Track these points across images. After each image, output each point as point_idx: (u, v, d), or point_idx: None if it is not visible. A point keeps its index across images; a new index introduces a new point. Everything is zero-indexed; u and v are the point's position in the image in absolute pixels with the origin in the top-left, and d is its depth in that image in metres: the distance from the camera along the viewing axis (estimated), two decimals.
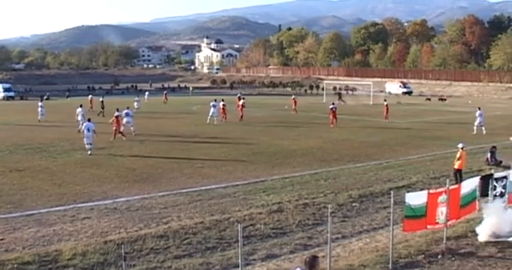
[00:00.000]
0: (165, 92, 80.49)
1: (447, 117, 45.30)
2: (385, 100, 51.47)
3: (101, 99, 58.86)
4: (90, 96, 66.27)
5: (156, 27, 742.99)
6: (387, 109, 49.46)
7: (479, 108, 40.59)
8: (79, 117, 42.50)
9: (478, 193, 15.88)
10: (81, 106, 44.33)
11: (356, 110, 52.50)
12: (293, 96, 61.90)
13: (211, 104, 47.34)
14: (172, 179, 23.93)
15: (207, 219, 17.28)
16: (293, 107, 58.16)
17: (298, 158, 29.15)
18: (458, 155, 22.63)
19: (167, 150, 32.37)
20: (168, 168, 26.35)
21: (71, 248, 14.44)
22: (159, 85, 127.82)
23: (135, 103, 60.93)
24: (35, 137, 38.48)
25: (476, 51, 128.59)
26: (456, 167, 22.57)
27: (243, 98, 54.07)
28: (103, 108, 54.64)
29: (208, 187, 22.09)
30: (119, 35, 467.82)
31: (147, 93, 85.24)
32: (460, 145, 22.92)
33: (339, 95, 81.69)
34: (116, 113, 38.02)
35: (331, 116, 45.31)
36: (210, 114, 46.61)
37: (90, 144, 31.06)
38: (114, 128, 37.13)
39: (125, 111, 40.11)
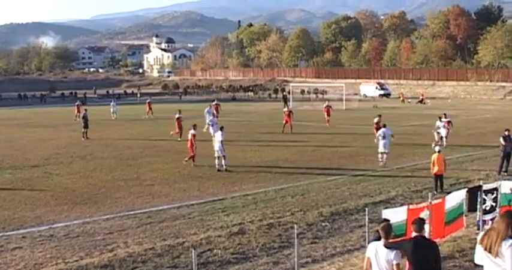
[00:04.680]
0: (148, 100, 69.95)
1: (430, 121, 45.69)
2: (326, 101, 55.79)
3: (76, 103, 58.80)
4: None
5: (98, 25, 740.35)
6: (328, 112, 52.41)
7: (440, 118, 38.90)
8: None
9: (465, 207, 16.00)
10: None
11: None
12: (214, 102, 62.76)
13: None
14: (118, 199, 23.75)
15: (158, 244, 17.20)
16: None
17: (261, 172, 29.19)
18: (432, 159, 23.97)
19: (112, 166, 32.16)
20: (113, 187, 26.19)
21: None
22: (104, 91, 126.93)
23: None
24: None
25: (463, 46, 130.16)
26: (434, 172, 23.80)
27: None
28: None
29: (160, 208, 21.99)
30: (54, 34, 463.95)
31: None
32: (437, 148, 24.60)
33: (285, 99, 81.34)
34: None
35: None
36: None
37: None
38: None
39: None
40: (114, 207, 22.28)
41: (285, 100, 77.56)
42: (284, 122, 47.07)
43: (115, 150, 38.34)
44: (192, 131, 31.93)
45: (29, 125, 58.15)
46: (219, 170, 29.82)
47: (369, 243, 11.52)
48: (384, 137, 30.75)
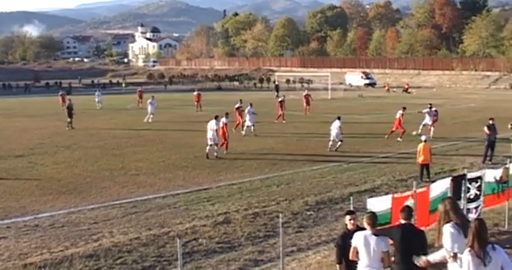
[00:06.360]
0: (139, 89, 68.29)
1: (415, 110, 45.74)
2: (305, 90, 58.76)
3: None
4: None
5: (83, 14, 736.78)
6: (307, 101, 53.21)
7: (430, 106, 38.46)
8: None
9: (449, 196, 16.03)
10: None
11: (312, 105, 52.80)
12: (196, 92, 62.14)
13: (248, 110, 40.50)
14: (103, 189, 23.68)
15: (143, 234, 17.18)
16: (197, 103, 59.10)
17: (246, 161, 29.23)
18: (418, 149, 24.15)
19: (97, 156, 32.02)
20: (98, 177, 26.09)
21: None
22: (89, 81, 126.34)
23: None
24: None
25: (448, 35, 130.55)
26: (420, 161, 24.00)
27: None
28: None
29: (145, 197, 21.95)
30: (38, 23, 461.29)
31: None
32: (423, 138, 24.70)
33: (277, 88, 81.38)
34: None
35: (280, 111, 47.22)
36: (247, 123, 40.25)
37: None
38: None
39: None
40: (99, 197, 22.19)
41: (277, 89, 77.83)
42: (279, 113, 47.08)
43: (100, 140, 38.19)
44: (223, 120, 32.06)
45: (14, 115, 57.81)
46: (207, 157, 29.95)
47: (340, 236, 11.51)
48: (334, 128, 32.57)
